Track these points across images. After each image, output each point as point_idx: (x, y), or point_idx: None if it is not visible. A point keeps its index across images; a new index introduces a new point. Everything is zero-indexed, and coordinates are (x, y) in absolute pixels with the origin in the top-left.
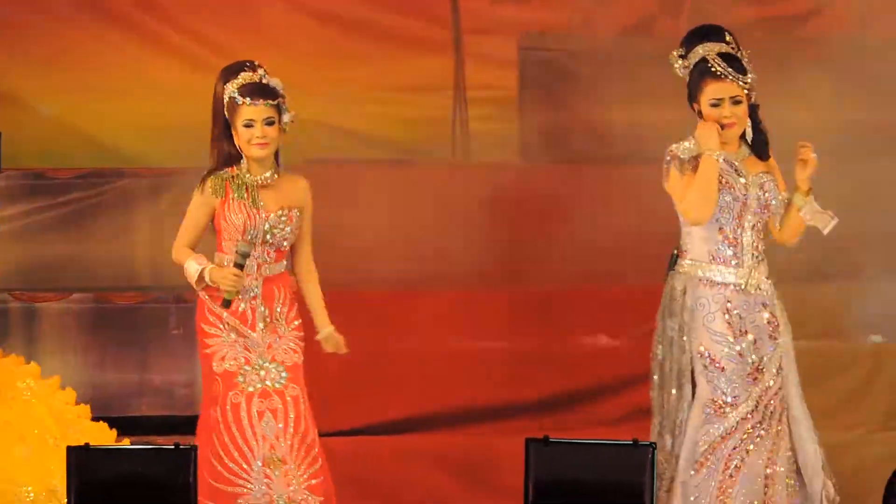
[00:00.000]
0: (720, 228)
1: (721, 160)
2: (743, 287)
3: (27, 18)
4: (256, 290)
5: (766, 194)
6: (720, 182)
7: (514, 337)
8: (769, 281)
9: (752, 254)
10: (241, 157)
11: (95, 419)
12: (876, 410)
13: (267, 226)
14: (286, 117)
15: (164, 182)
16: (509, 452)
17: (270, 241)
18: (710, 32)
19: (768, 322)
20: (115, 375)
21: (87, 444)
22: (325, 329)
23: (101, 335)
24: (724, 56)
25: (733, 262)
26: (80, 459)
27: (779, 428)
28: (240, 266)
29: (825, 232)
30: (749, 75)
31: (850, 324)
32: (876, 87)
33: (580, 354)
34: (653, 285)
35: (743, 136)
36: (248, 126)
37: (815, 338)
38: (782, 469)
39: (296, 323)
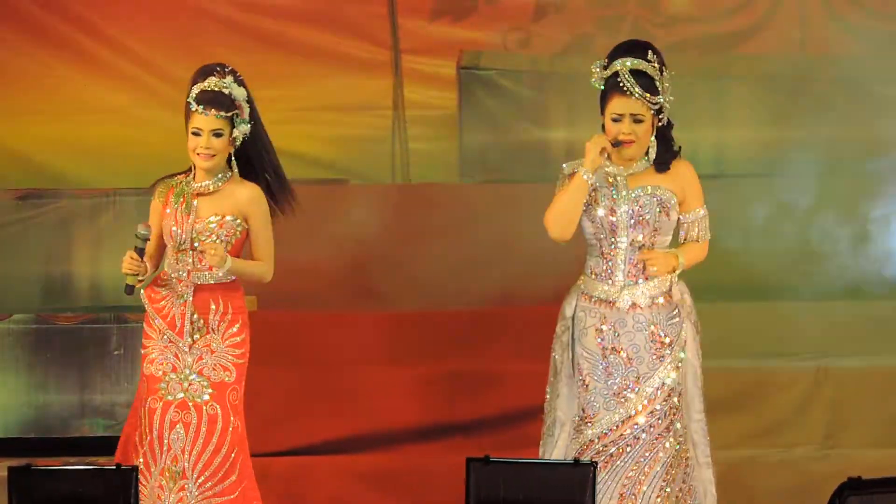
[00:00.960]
0: (597, 243)
1: (593, 176)
2: (615, 304)
3: None
4: (187, 296)
5: (640, 209)
6: (592, 197)
7: (451, 356)
8: (660, 299)
9: (629, 270)
10: None
11: (37, 440)
12: (816, 429)
13: (193, 233)
14: (238, 131)
15: (103, 203)
16: (449, 472)
17: (199, 248)
18: (633, 48)
19: (651, 340)
20: (56, 396)
21: (28, 465)
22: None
23: (42, 356)
24: (635, 72)
25: (608, 279)
26: (21, 480)
27: (660, 447)
28: (138, 250)
29: None
30: (659, 96)
31: (788, 343)
32: (813, 105)
33: (517, 374)
34: None
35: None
36: (195, 134)
37: (754, 357)
38: (655, 487)
39: (234, 340)
